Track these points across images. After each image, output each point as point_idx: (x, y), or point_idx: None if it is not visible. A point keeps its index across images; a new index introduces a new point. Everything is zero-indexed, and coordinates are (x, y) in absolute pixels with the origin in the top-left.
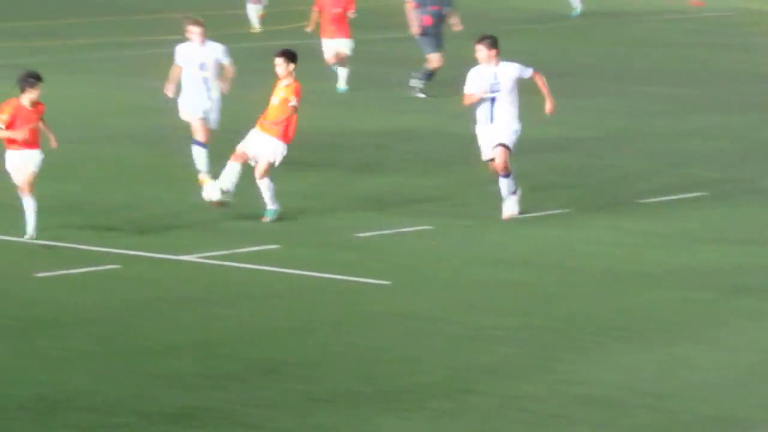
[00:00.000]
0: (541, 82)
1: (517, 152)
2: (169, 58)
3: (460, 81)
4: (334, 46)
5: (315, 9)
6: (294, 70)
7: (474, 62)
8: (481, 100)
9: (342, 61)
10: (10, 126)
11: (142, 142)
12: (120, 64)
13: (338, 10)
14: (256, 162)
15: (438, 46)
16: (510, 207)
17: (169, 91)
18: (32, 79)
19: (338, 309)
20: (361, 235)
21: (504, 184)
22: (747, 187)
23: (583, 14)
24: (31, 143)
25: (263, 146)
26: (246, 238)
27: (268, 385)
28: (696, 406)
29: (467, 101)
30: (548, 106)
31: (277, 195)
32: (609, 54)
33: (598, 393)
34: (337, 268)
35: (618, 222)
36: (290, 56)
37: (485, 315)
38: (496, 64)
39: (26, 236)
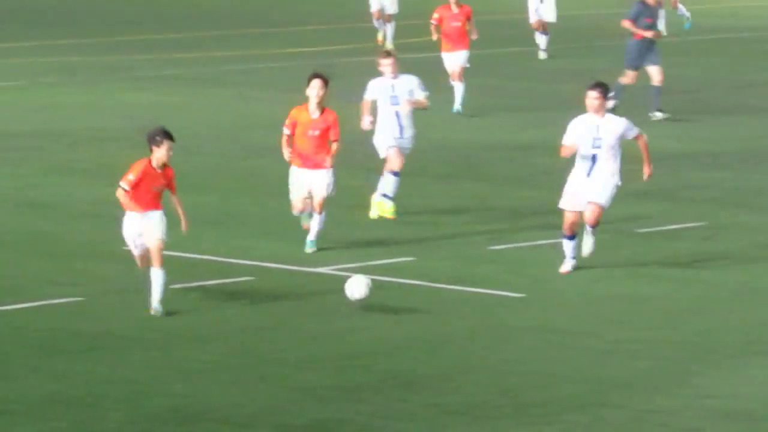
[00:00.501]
0: (643, 145)
1: (656, 165)
2: (307, 71)
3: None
4: (453, 59)
5: (433, 21)
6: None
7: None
8: (383, 109)
9: (459, 75)
10: (134, 188)
11: (280, 156)
12: (261, 77)
13: (457, 24)
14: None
15: (639, 63)
16: (589, 245)
17: (365, 124)
18: (159, 137)
19: (473, 322)
20: (496, 247)
21: (589, 240)
22: None
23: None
24: (153, 205)
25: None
26: (381, 250)
27: (403, 398)
28: None
29: (566, 153)
30: (646, 171)
31: (411, 207)
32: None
33: (734, 407)
34: (471, 281)
35: (755, 236)
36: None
37: (620, 329)
38: (602, 116)
39: (152, 310)
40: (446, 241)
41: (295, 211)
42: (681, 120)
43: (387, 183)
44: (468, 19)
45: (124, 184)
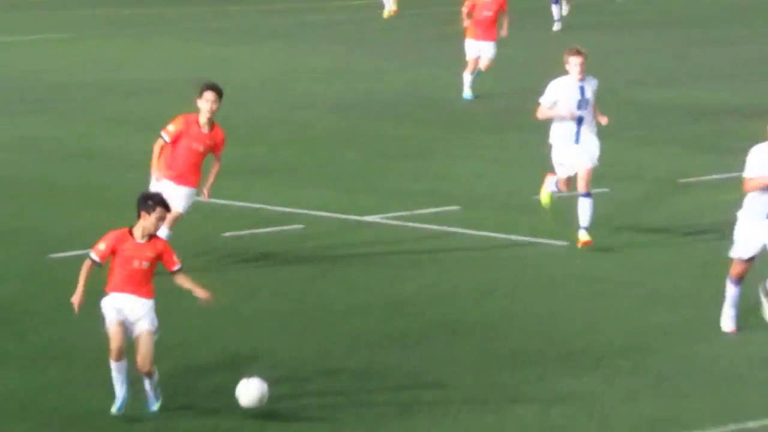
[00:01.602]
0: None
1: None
2: (355, 25)
3: None
4: (478, 49)
5: (464, 9)
6: None
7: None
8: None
9: (486, 67)
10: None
11: (328, 108)
12: (310, 30)
13: (489, 14)
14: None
15: None
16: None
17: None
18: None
19: (518, 270)
20: (539, 196)
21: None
22: None
23: None
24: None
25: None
26: (427, 199)
27: (450, 344)
28: None
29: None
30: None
31: (458, 157)
32: None
33: None
34: (516, 230)
35: None
36: None
37: (662, 277)
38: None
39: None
40: (491, 190)
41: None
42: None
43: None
44: (502, 9)
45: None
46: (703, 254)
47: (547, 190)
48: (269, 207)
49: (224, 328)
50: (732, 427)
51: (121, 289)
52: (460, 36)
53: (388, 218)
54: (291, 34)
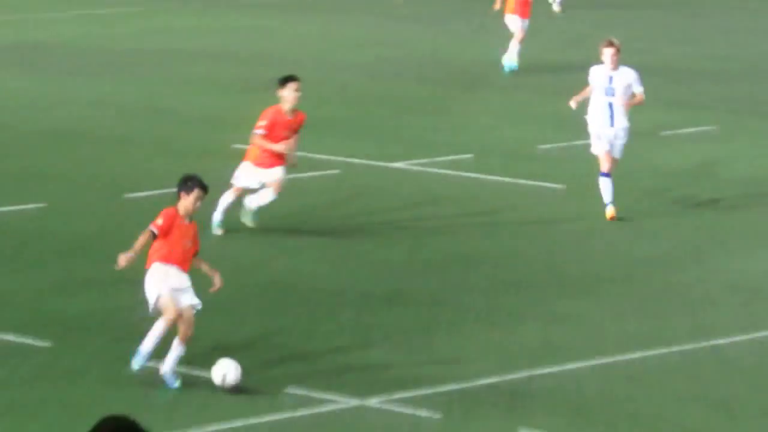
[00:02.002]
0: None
1: (676, 79)
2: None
3: None
4: (512, 22)
5: None
6: None
7: None
8: (597, 99)
9: (521, 40)
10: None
11: (361, 71)
12: (345, 4)
13: None
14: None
15: None
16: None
17: (573, 102)
18: (284, 80)
19: (522, 209)
20: (543, 147)
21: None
22: None
23: None
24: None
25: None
26: (445, 148)
27: (464, 273)
28: None
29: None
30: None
31: (471, 113)
32: None
33: (740, 281)
34: (521, 175)
35: (762, 139)
36: None
37: (648, 216)
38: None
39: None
40: (500, 141)
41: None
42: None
43: (603, 188)
44: None
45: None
46: (680, 197)
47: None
48: (311, 155)
49: (273, 258)
50: (704, 343)
51: (170, 262)
52: (474, 10)
53: (411, 164)
54: (328, 9)
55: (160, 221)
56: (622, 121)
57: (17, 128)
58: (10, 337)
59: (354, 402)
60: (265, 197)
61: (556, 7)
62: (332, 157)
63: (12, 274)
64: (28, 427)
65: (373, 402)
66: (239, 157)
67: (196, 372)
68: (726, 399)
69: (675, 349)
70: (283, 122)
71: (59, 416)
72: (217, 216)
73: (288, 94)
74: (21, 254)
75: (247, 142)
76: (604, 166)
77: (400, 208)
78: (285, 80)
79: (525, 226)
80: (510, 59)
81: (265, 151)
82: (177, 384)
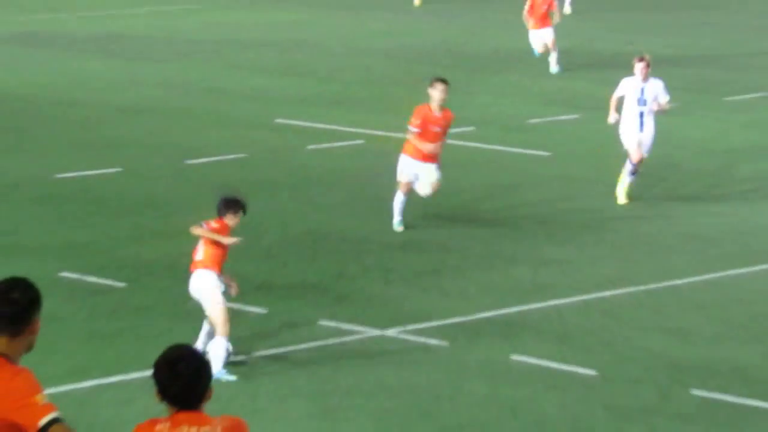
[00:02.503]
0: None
1: None
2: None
3: None
4: (540, 37)
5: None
6: None
7: None
8: (629, 108)
9: (551, 47)
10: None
11: (383, 56)
12: (368, 1)
13: (544, 8)
14: None
15: None
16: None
17: (611, 118)
18: (434, 81)
19: (515, 172)
20: (533, 120)
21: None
22: None
23: None
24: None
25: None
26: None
27: (467, 225)
28: (764, 240)
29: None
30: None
31: (472, 93)
32: None
33: (696, 232)
34: (514, 144)
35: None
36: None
37: (616, 175)
38: (645, 79)
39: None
40: (497, 116)
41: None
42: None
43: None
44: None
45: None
46: (645, 161)
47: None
48: (341, 127)
49: (308, 213)
50: (666, 283)
51: (220, 270)
52: (477, 7)
53: None
54: (355, 6)
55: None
56: (650, 127)
57: (98, 105)
58: (92, 279)
59: (375, 332)
60: (422, 190)
61: (567, 9)
62: (358, 130)
63: (94, 226)
64: (106, 353)
65: (391, 332)
66: (281, 129)
67: (247, 307)
68: (683, 328)
69: (641, 288)
70: (432, 119)
71: (132, 345)
72: (396, 218)
73: (435, 94)
74: (101, 210)
75: (290, 117)
76: (634, 157)
77: None
78: (434, 81)
79: (517, 186)
80: (554, 67)
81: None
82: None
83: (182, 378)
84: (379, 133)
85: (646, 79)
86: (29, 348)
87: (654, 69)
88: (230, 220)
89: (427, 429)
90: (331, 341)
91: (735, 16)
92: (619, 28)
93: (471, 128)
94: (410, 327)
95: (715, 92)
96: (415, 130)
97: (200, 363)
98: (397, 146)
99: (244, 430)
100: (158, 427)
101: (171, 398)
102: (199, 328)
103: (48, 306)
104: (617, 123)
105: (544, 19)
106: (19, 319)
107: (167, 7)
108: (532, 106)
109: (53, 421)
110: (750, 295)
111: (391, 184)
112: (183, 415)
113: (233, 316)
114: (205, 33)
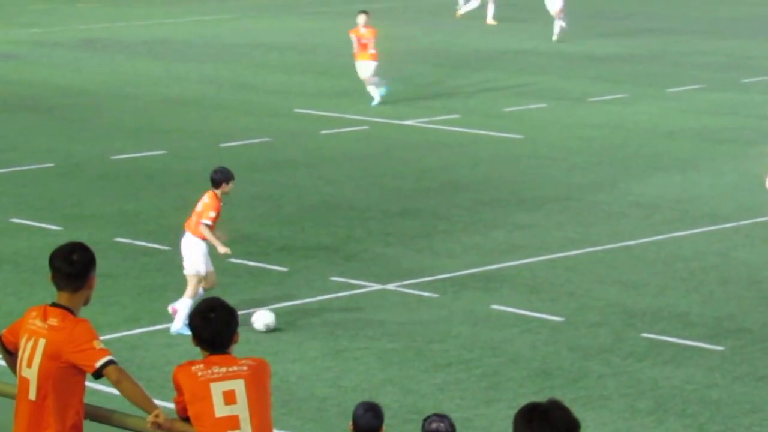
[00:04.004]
0: None
1: None
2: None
3: None
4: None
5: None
6: None
7: None
8: None
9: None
10: None
11: (386, 58)
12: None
13: (365, 41)
14: None
15: None
16: None
17: None
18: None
19: (494, 151)
20: (508, 109)
21: None
22: None
23: None
24: None
25: None
26: (440, 110)
27: (454, 195)
28: (700, 207)
29: None
30: None
31: (458, 86)
32: None
33: (643, 200)
34: (493, 128)
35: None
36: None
37: (580, 154)
38: None
39: None
40: (479, 105)
41: None
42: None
43: None
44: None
45: None
46: (601, 142)
47: None
48: (349, 116)
49: (320, 186)
50: (619, 244)
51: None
52: (467, 15)
53: (417, 122)
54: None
55: (213, 214)
56: None
57: (147, 98)
58: (142, 243)
59: (378, 286)
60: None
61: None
62: (363, 117)
63: (143, 199)
64: (154, 305)
65: (391, 286)
66: (299, 117)
67: (271, 266)
68: (634, 281)
69: (599, 248)
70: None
71: (176, 298)
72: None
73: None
74: (149, 185)
75: (306, 107)
76: None
77: (409, 151)
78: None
79: (495, 162)
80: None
81: None
82: None
83: (213, 325)
84: (381, 120)
85: None
86: (87, 302)
87: (608, 66)
88: (225, 188)
89: (422, 365)
90: (341, 294)
91: (674, 22)
92: (577, 33)
93: (456, 115)
94: (407, 281)
95: (659, 85)
96: None
97: (228, 312)
98: (396, 131)
99: (267, 367)
100: (194, 367)
101: (204, 342)
102: (231, 284)
103: (105, 266)
104: None
105: (365, 51)
106: (78, 277)
107: (205, 17)
108: (506, 97)
109: (108, 363)
110: (689, 253)
111: (391, 162)
112: (215, 358)
113: (260, 274)
114: (236, 38)
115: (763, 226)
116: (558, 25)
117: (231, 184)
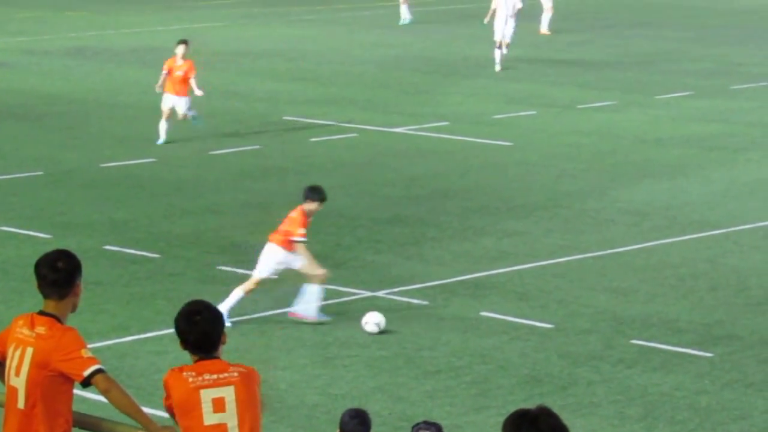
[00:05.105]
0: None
1: None
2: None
3: None
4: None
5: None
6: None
7: None
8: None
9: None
10: None
11: (373, 64)
12: (360, 19)
13: (180, 74)
14: None
15: None
16: None
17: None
18: None
19: (483, 158)
20: (497, 116)
21: None
22: None
23: None
24: None
25: None
26: (429, 117)
27: (442, 202)
28: (689, 214)
29: None
30: None
31: (445, 93)
32: None
33: (631, 207)
34: (482, 135)
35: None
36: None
37: (569, 162)
38: None
39: None
40: (467, 113)
41: None
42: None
43: None
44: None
45: None
46: (590, 149)
47: None
48: (339, 123)
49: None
50: (608, 251)
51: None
52: (449, 23)
53: (407, 129)
54: (348, 22)
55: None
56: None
57: (135, 106)
58: (131, 250)
59: (367, 293)
60: None
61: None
62: (352, 125)
63: (132, 207)
64: (143, 313)
65: (381, 293)
66: (288, 124)
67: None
68: (623, 288)
69: (588, 255)
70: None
71: (165, 305)
72: None
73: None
74: (138, 193)
75: (295, 115)
76: None
77: (398, 158)
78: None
79: (484, 170)
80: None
81: None
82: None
83: (198, 327)
84: (370, 128)
85: None
86: (74, 309)
87: (596, 72)
88: (309, 205)
89: (411, 373)
90: (331, 301)
91: (661, 30)
92: (565, 40)
93: (445, 123)
94: (396, 289)
95: (648, 92)
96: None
97: (213, 314)
98: (385, 139)
99: (256, 376)
100: (185, 374)
101: (191, 345)
102: (221, 292)
103: (94, 273)
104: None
105: (181, 85)
106: (63, 284)
107: (194, 25)
108: (496, 104)
109: (96, 372)
110: (678, 260)
111: (380, 170)
112: (206, 363)
113: (247, 280)
114: (224, 45)
115: (752, 232)
116: (499, 54)
117: (316, 204)
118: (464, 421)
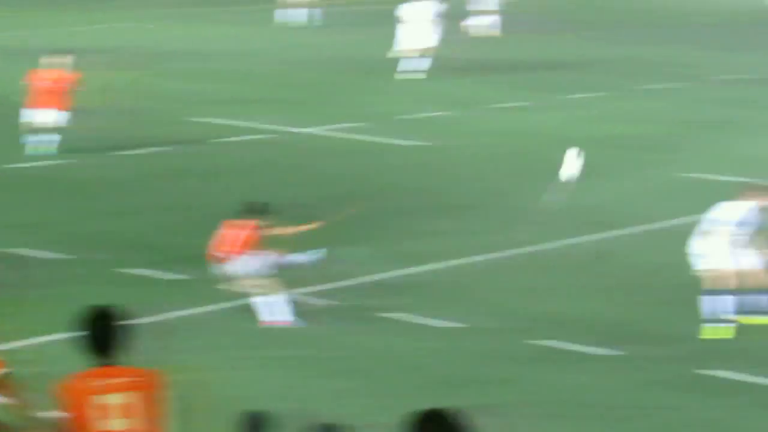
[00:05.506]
0: None
1: None
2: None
3: None
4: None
5: None
6: None
7: None
8: None
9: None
10: None
11: (296, 64)
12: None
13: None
14: None
15: None
16: None
17: None
18: None
19: (400, 158)
20: (415, 116)
21: None
22: None
23: None
24: None
25: None
26: (345, 117)
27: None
28: (600, 213)
29: None
30: None
31: (362, 94)
32: None
33: (543, 207)
34: (399, 136)
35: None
36: None
37: (484, 162)
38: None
39: None
40: (384, 113)
41: None
42: None
43: None
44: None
45: None
46: (507, 148)
47: None
48: (250, 124)
49: (216, 195)
50: (520, 250)
51: None
52: (366, 23)
53: (322, 129)
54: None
55: None
56: None
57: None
58: (37, 252)
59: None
60: None
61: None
62: (266, 125)
63: (37, 209)
64: (47, 316)
65: (293, 294)
66: (198, 125)
67: (173, 275)
68: (534, 287)
69: (499, 254)
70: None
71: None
72: None
73: None
74: (46, 194)
75: (206, 116)
76: None
77: (313, 159)
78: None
79: (402, 168)
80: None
81: None
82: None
83: (100, 332)
84: (285, 128)
85: None
86: None
87: (512, 73)
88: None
89: (316, 373)
90: (239, 302)
91: (577, 29)
92: (482, 40)
93: (362, 123)
94: (308, 289)
95: (562, 92)
96: None
97: (116, 320)
98: (300, 140)
99: (159, 379)
100: (78, 379)
101: (92, 351)
102: (129, 295)
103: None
104: None
105: (57, 98)
106: None
107: (115, 24)
108: (413, 104)
109: (5, 376)
110: (588, 260)
111: (297, 170)
112: (107, 369)
113: (160, 284)
114: (138, 45)
115: (662, 231)
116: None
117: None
118: (374, 422)
